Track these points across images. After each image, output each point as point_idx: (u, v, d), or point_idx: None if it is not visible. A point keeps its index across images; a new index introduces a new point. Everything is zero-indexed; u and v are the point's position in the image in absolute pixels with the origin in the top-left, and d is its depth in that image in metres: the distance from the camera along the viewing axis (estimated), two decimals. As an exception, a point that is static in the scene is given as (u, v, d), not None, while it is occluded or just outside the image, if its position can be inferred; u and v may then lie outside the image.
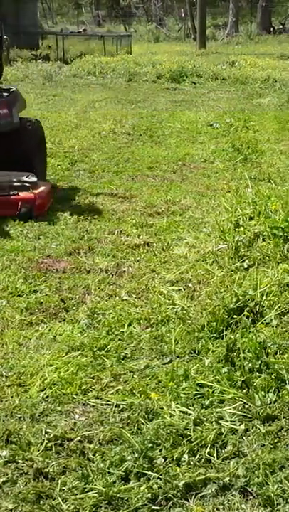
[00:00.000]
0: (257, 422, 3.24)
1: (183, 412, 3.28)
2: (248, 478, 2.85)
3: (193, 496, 2.79)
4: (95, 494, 2.77)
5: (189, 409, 3.30)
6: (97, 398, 3.47)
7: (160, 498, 2.77)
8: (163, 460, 2.95)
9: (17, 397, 3.45)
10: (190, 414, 3.25)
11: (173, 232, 6.01)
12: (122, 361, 3.82)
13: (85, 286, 4.85)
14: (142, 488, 2.79)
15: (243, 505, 2.75)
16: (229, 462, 2.96)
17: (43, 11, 48.78)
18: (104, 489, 2.77)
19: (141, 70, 20.12)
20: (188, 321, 4.17)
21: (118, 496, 2.77)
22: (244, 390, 3.43)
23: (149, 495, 2.76)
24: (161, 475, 2.86)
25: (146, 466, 2.91)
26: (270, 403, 3.35)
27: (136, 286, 4.81)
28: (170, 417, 3.23)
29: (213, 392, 3.45)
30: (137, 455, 2.96)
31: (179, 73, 19.29)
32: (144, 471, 2.88)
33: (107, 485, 2.80)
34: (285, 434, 3.17)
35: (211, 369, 3.63)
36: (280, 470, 2.92)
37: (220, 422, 3.22)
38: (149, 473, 2.87)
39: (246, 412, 3.30)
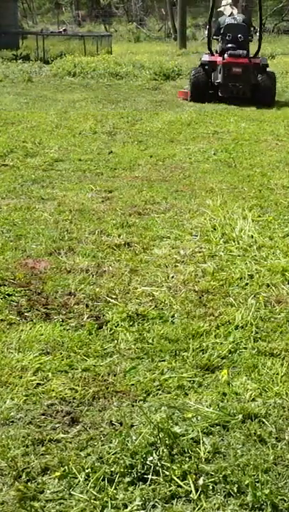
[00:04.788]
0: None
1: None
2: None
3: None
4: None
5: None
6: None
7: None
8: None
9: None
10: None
11: (153, 232, 6.01)
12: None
13: (65, 285, 4.85)
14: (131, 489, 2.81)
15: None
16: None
17: (24, 11, 48.65)
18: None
19: (121, 70, 20.14)
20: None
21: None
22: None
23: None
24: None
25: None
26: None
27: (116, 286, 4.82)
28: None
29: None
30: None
31: (159, 73, 19.34)
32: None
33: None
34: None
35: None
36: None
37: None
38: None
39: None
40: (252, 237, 5.76)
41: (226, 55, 14.35)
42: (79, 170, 8.41)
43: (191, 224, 6.20)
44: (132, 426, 3.24)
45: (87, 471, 2.91)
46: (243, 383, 3.60)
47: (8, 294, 4.70)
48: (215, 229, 5.96)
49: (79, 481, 2.87)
